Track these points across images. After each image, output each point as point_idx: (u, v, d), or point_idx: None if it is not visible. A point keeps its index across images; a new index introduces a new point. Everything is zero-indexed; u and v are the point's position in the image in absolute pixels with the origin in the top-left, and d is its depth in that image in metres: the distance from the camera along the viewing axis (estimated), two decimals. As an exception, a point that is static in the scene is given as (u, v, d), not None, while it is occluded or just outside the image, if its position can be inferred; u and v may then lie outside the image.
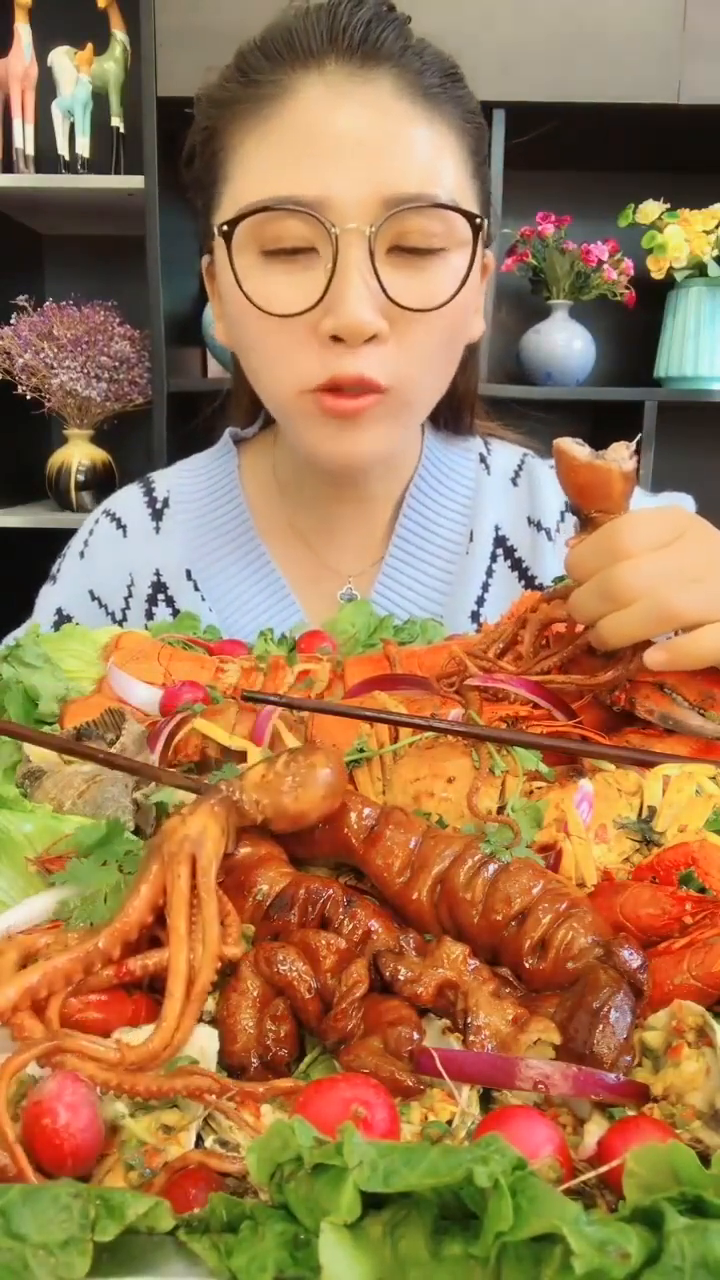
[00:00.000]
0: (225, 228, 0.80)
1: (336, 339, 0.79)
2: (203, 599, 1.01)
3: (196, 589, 1.02)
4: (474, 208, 0.84)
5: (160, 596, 1.03)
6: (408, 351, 0.82)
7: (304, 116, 0.79)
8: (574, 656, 0.68)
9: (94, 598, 1.05)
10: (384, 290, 0.79)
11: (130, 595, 1.04)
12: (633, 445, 0.65)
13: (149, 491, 1.08)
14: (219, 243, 0.83)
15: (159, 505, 1.07)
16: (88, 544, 1.08)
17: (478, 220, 0.82)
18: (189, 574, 1.03)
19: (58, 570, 1.09)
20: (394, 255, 0.80)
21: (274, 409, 0.91)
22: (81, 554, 1.08)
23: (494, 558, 1.02)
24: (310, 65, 0.80)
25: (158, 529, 1.06)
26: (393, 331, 0.81)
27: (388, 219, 0.78)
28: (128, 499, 1.09)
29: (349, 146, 0.78)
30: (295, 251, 0.80)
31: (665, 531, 0.61)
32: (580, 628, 0.67)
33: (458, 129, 0.84)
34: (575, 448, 0.64)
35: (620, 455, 0.64)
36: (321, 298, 0.78)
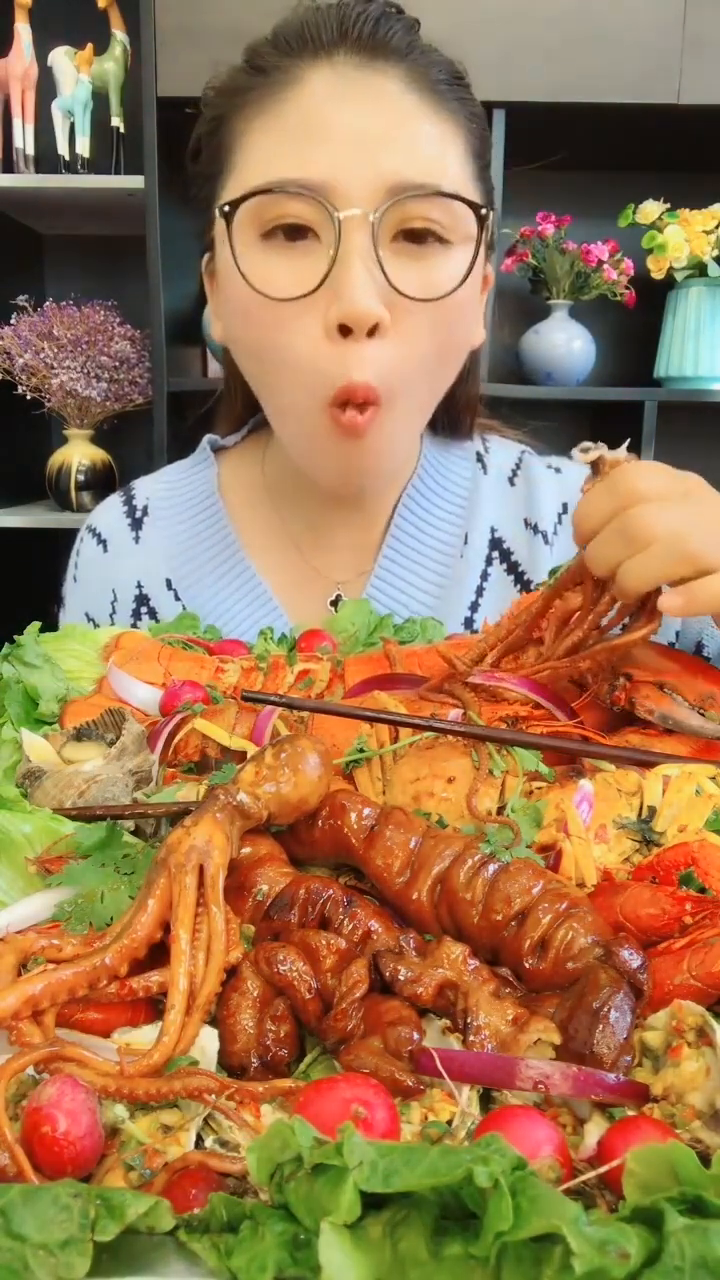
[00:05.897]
0: (226, 208, 0.80)
1: (344, 329, 0.78)
2: (184, 608, 1.01)
3: (178, 598, 1.02)
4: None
5: (143, 609, 1.03)
6: (405, 346, 0.81)
7: (311, 103, 0.79)
8: (588, 704, 0.69)
9: (89, 619, 1.05)
10: (386, 278, 0.78)
11: (114, 611, 1.04)
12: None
13: (129, 500, 1.08)
14: (219, 228, 0.83)
15: (138, 514, 1.06)
16: (77, 565, 1.08)
17: (483, 211, 0.82)
18: (169, 583, 1.02)
19: (64, 594, 1.10)
20: (397, 244, 0.80)
21: (283, 421, 0.88)
22: (75, 578, 1.08)
23: (489, 561, 1.01)
24: (320, 56, 0.81)
25: (137, 539, 1.05)
26: (393, 323, 0.80)
27: (391, 205, 0.77)
28: (108, 512, 1.08)
29: (355, 133, 0.78)
30: (296, 237, 0.79)
31: (675, 482, 0.64)
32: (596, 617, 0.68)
33: (463, 128, 0.84)
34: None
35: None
36: (322, 282, 0.78)
